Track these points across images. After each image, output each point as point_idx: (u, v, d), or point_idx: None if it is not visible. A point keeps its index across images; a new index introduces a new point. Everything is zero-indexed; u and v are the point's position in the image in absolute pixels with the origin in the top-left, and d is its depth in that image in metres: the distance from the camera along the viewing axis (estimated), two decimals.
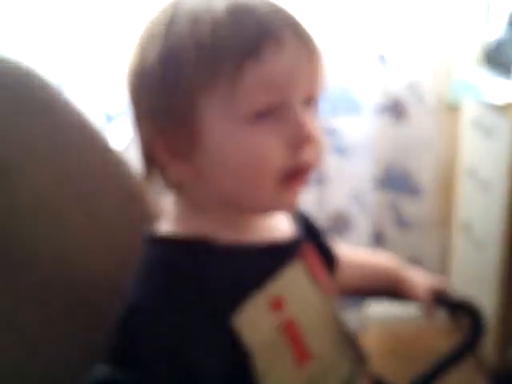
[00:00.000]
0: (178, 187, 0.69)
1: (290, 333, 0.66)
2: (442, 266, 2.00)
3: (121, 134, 1.14)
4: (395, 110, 1.64)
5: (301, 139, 0.61)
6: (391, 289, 0.91)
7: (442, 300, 0.91)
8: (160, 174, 0.67)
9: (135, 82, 0.64)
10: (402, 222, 1.76)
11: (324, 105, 1.46)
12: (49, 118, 0.79)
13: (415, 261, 1.80)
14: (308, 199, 1.49)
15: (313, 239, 0.77)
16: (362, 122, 1.56)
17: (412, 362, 1.80)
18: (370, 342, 1.90)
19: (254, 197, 0.63)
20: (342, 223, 1.66)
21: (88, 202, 0.80)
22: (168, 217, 0.70)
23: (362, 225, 1.68)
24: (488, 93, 1.54)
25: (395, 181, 1.71)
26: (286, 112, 0.61)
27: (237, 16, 0.59)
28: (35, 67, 0.80)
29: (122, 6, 1.28)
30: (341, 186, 1.61)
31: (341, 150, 1.57)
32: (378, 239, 1.82)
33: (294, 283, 0.68)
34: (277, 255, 0.68)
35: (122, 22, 1.24)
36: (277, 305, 0.65)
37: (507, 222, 1.52)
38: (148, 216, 0.74)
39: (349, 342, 0.74)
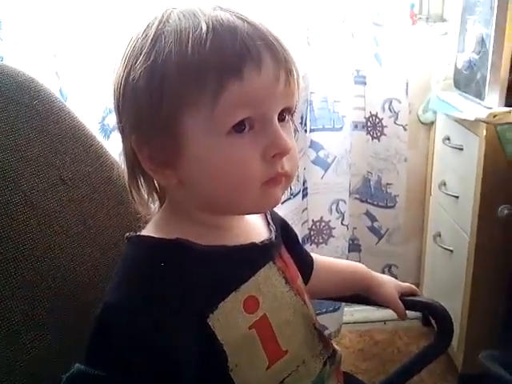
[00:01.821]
0: (161, 193, 0.72)
1: (263, 331, 0.68)
2: (415, 273, 2.09)
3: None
4: (372, 125, 1.71)
5: (278, 151, 0.63)
6: (363, 293, 0.96)
7: (411, 303, 0.95)
8: (144, 181, 0.70)
9: (120, 94, 0.65)
10: (377, 232, 1.83)
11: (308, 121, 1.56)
12: (45, 124, 0.81)
13: (390, 268, 1.86)
14: (293, 208, 1.55)
15: (287, 242, 0.80)
16: (342, 136, 1.63)
17: (385, 364, 1.89)
18: (345, 343, 1.96)
19: (237, 200, 0.66)
20: (323, 232, 1.72)
21: (80, 206, 0.82)
22: (152, 221, 0.71)
23: (341, 234, 1.74)
24: (459, 110, 1.61)
25: (371, 192, 1.78)
26: (264, 126, 0.63)
27: (219, 36, 0.60)
28: (33, 74, 0.82)
29: (117, 13, 1.29)
30: (322, 197, 1.67)
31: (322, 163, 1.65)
32: (356, 247, 1.87)
33: (269, 284, 0.71)
34: (254, 256, 0.71)
35: (119, 29, 1.24)
36: (251, 304, 0.68)
37: (474, 232, 1.61)
38: (136, 220, 0.76)
39: (320, 340, 0.77)
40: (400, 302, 0.93)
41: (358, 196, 1.81)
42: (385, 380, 1.00)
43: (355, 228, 1.85)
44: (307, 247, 1.67)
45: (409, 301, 0.95)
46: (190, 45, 0.60)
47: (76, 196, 0.82)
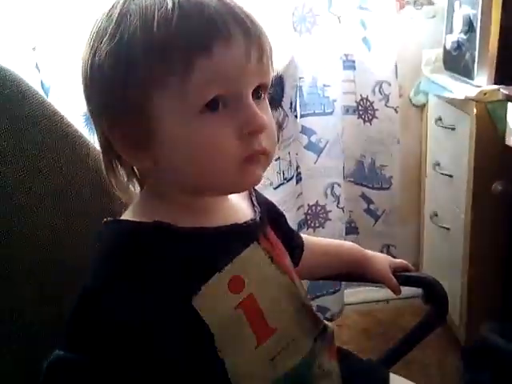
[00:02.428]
0: (139, 177, 0.70)
1: (250, 311, 0.67)
2: (414, 253, 2.11)
3: None
4: (364, 108, 1.73)
5: (253, 128, 0.61)
6: (356, 271, 0.95)
7: (405, 278, 0.95)
8: (121, 166, 0.68)
9: (86, 76, 0.63)
10: (373, 214, 1.85)
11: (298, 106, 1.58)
12: (34, 124, 0.80)
13: (389, 249, 1.88)
14: (287, 193, 1.57)
15: (273, 222, 0.78)
16: (333, 120, 1.65)
17: (389, 342, 1.89)
18: (348, 324, 1.99)
19: (215, 180, 0.64)
20: (319, 215, 1.74)
21: (63, 198, 0.82)
22: (131, 206, 0.70)
23: (338, 217, 1.76)
24: (449, 91, 1.64)
25: (365, 175, 1.80)
26: (237, 103, 0.61)
27: (186, 12, 0.58)
28: (12, 67, 0.80)
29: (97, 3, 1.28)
30: (317, 181, 1.70)
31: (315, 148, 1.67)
32: (353, 230, 1.90)
33: (254, 263, 0.70)
34: (237, 237, 0.69)
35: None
36: (236, 285, 0.66)
37: (469, 210, 1.63)
38: (117, 206, 0.74)
39: (309, 317, 0.76)
40: (393, 277, 0.94)
41: (352, 179, 1.82)
42: (382, 357, 1.01)
43: (351, 211, 1.86)
44: (304, 231, 1.69)
45: (402, 276, 0.95)
46: (155, 23, 0.58)
47: (53, 186, 0.82)
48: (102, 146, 0.67)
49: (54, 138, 0.83)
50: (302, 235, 0.95)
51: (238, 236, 0.70)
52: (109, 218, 0.67)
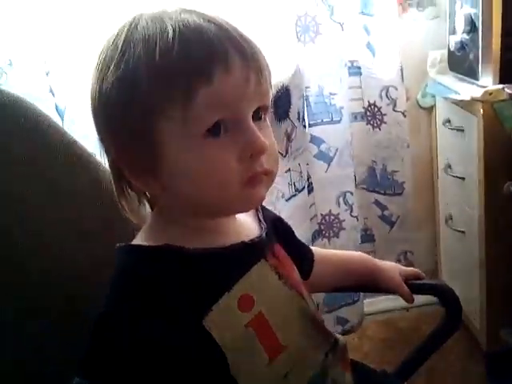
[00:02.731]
0: (148, 200, 0.72)
1: (261, 328, 0.67)
2: (432, 258, 2.09)
3: None
4: (372, 114, 1.72)
5: (254, 151, 0.63)
6: (367, 282, 0.95)
7: (417, 287, 0.94)
8: (132, 189, 0.69)
9: (95, 104, 0.65)
10: (388, 220, 1.83)
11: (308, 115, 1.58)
12: (33, 138, 0.81)
13: (406, 255, 1.86)
14: (299, 204, 1.56)
15: (281, 237, 0.79)
16: (341, 128, 1.64)
17: (410, 351, 1.88)
18: (369, 334, 1.96)
19: (220, 203, 0.65)
20: (333, 225, 1.73)
21: (71, 216, 0.83)
22: (142, 229, 0.71)
23: (352, 225, 1.74)
24: (455, 92, 1.62)
25: (377, 182, 1.78)
26: (238, 127, 0.63)
27: (186, 40, 0.60)
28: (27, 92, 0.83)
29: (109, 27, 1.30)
30: (329, 190, 1.69)
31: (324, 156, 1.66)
32: (369, 238, 1.87)
33: (262, 281, 0.70)
34: (244, 256, 0.70)
35: None
36: (246, 303, 0.67)
37: (482, 211, 1.61)
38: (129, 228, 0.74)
39: (320, 331, 0.77)
40: (405, 286, 0.93)
41: (365, 186, 1.81)
42: (398, 368, 0.99)
43: (366, 218, 1.85)
44: (318, 242, 1.69)
45: (414, 284, 0.94)
46: (157, 51, 0.60)
47: (70, 210, 0.83)
48: (112, 171, 0.69)
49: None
50: (311, 248, 0.95)
51: (246, 254, 0.71)
52: (121, 244, 0.68)
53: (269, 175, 0.67)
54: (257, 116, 0.66)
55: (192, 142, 0.62)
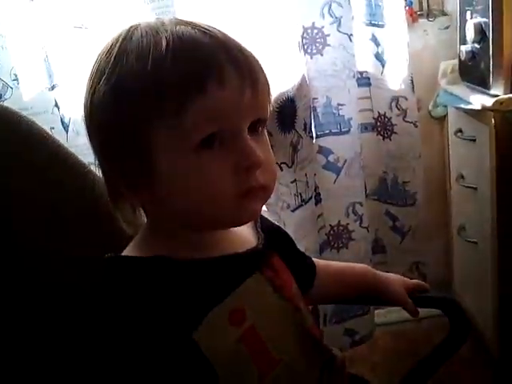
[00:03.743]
0: (143, 211, 0.71)
1: (252, 343, 0.66)
2: (445, 269, 2.07)
3: None
4: (382, 125, 1.71)
5: (248, 164, 0.62)
6: (371, 294, 0.93)
7: (422, 300, 0.93)
8: (126, 199, 0.68)
9: (87, 114, 0.65)
10: (400, 231, 1.81)
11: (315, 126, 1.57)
12: (26, 153, 0.82)
13: (418, 266, 1.83)
14: (306, 215, 1.56)
15: (280, 248, 0.77)
16: (350, 139, 1.62)
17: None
18: (380, 345, 1.95)
19: (212, 216, 0.64)
20: (342, 236, 1.71)
21: (65, 229, 0.82)
22: (133, 240, 0.70)
23: (362, 236, 1.72)
24: (467, 102, 1.61)
25: (388, 192, 1.76)
26: (233, 139, 0.62)
27: (179, 52, 0.59)
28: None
29: None
30: (337, 201, 1.67)
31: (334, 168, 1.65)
32: (381, 249, 1.85)
33: (255, 294, 0.68)
34: (237, 267, 0.68)
35: None
36: (237, 317, 0.65)
37: (495, 222, 1.59)
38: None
39: (315, 347, 0.75)
40: (410, 299, 0.91)
41: (376, 197, 1.79)
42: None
43: (377, 229, 1.83)
44: (327, 253, 1.67)
45: (419, 298, 0.93)
46: (150, 62, 0.59)
47: (65, 223, 0.83)
48: (105, 181, 0.68)
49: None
50: (313, 259, 0.94)
51: (239, 266, 0.69)
52: (109, 254, 0.68)
53: (265, 190, 0.66)
54: (253, 129, 0.65)
55: (184, 154, 0.61)
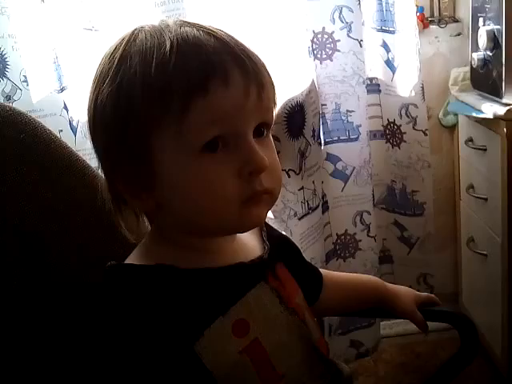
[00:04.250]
0: (147, 219, 0.70)
1: (256, 356, 0.64)
2: (453, 281, 2.04)
3: None
4: (391, 132, 1.68)
5: (253, 168, 0.61)
6: (379, 306, 0.91)
7: (432, 314, 0.91)
8: (127, 206, 0.67)
9: (90, 118, 0.64)
10: (408, 241, 1.78)
11: (323, 133, 1.55)
12: (34, 156, 0.80)
13: (426, 278, 1.79)
14: (313, 223, 1.52)
15: (286, 259, 0.76)
16: (358, 146, 1.60)
17: (425, 376, 1.82)
18: (386, 357, 1.92)
19: (216, 221, 0.63)
20: (349, 245, 1.68)
21: (74, 236, 0.81)
22: (136, 248, 0.69)
23: (369, 246, 1.69)
24: (478, 110, 1.58)
25: (397, 202, 1.73)
26: (237, 142, 0.61)
27: (183, 54, 0.58)
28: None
29: None
30: (345, 209, 1.64)
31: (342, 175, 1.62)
32: (388, 259, 1.82)
33: (260, 305, 0.67)
34: (242, 277, 0.67)
35: None
36: (240, 328, 0.64)
37: (505, 234, 1.56)
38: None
39: (321, 361, 0.73)
40: (418, 313, 0.89)
41: (384, 206, 1.76)
42: None
43: (385, 239, 1.80)
44: (333, 262, 1.64)
45: (429, 311, 0.91)
46: (153, 64, 0.58)
47: (70, 226, 0.81)
48: (108, 186, 0.67)
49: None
50: (321, 270, 0.91)
51: (244, 276, 0.68)
52: (112, 262, 0.66)
53: (270, 195, 0.64)
54: (258, 132, 0.63)
55: (188, 157, 0.60)
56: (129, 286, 0.63)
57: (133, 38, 0.62)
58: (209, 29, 0.62)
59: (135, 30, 0.63)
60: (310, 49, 1.45)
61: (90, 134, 0.65)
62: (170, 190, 0.62)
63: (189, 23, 0.62)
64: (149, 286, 0.62)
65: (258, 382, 0.64)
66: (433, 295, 0.94)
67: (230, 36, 0.63)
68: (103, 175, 0.67)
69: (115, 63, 0.61)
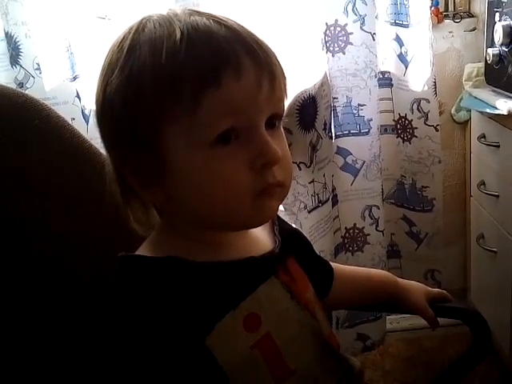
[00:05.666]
0: (157, 209, 0.68)
1: (267, 350, 0.64)
2: (461, 278, 2.03)
3: None
4: (402, 127, 1.67)
5: (266, 160, 0.60)
6: (389, 301, 0.90)
7: (443, 310, 0.90)
8: (136, 199, 0.66)
9: (98, 109, 0.63)
10: (416, 237, 1.78)
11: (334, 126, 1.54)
12: (47, 142, 0.80)
13: (433, 274, 1.80)
14: (322, 217, 1.52)
15: (297, 253, 0.75)
16: (369, 140, 1.59)
17: (435, 372, 1.82)
18: (392, 352, 1.92)
19: (228, 215, 0.62)
20: (357, 239, 1.68)
21: (82, 224, 0.80)
22: (147, 240, 0.68)
23: (377, 240, 1.69)
24: (492, 106, 1.57)
25: (406, 197, 1.73)
26: (249, 134, 0.59)
27: (194, 43, 0.57)
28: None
29: None
30: (354, 203, 1.64)
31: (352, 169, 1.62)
32: (396, 254, 1.82)
33: (271, 299, 0.66)
34: (253, 272, 0.66)
35: None
36: (252, 323, 0.63)
37: None
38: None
39: (333, 356, 0.72)
40: (430, 309, 0.88)
41: (393, 201, 1.75)
42: None
43: (393, 234, 1.79)
44: (342, 255, 1.64)
45: (440, 307, 0.90)
46: (164, 54, 0.57)
47: (83, 214, 0.81)
48: (117, 179, 0.65)
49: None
50: (332, 264, 0.90)
51: (255, 270, 0.67)
52: (123, 253, 0.65)
53: (282, 187, 0.63)
54: (270, 124, 0.62)
55: (199, 149, 0.59)
56: (139, 277, 0.62)
57: (141, 27, 0.61)
58: (219, 18, 0.60)
59: (143, 19, 0.62)
60: (323, 41, 1.44)
61: (98, 125, 0.64)
62: (180, 182, 0.61)
63: (198, 12, 0.61)
64: (160, 278, 0.62)
65: (269, 377, 0.64)
66: (444, 291, 0.93)
67: (240, 25, 0.61)
68: (112, 168, 0.66)
69: (124, 53, 0.60)
